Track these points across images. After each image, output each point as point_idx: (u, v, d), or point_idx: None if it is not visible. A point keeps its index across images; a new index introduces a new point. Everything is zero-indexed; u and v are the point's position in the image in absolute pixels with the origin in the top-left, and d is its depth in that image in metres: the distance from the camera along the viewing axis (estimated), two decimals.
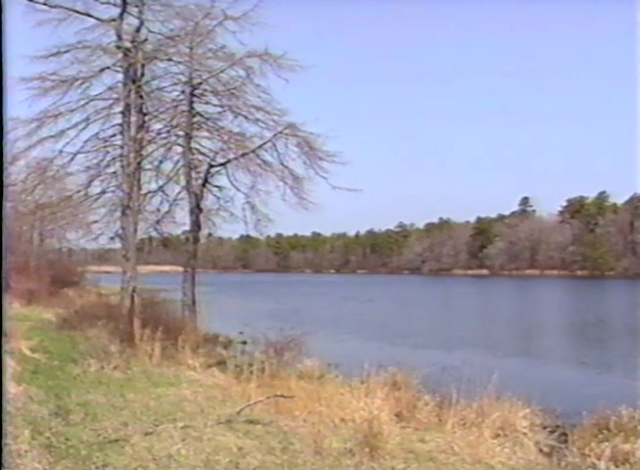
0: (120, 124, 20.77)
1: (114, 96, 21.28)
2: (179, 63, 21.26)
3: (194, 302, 22.27)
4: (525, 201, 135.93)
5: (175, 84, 22.16)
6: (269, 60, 20.92)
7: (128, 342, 14.92)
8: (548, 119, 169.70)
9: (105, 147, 22.40)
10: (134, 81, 19.82)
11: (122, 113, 20.44)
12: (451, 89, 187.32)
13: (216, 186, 23.52)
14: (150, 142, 21.59)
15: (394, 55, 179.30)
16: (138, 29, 20.12)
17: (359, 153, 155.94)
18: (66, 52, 20.16)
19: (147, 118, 20.63)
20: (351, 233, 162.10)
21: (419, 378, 11.64)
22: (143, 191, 21.63)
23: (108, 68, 20.75)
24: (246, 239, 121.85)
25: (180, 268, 23.84)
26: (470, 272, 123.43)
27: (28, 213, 28.46)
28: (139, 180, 20.55)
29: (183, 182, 22.61)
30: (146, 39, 20.38)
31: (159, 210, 24.04)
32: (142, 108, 20.24)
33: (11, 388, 8.92)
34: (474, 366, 10.25)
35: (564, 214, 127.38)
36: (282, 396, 9.89)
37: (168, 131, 22.29)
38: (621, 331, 29.92)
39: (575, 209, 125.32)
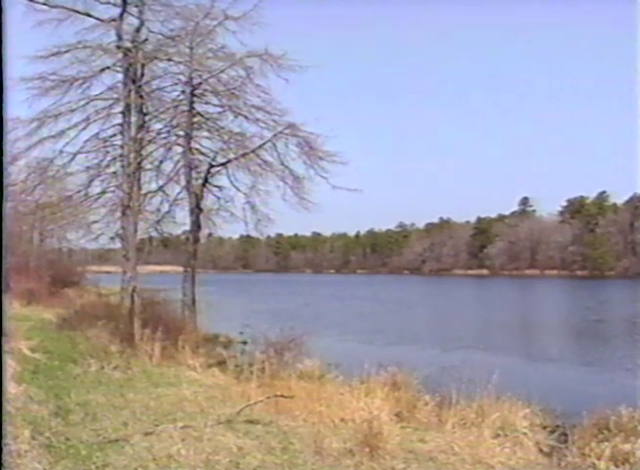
0: (120, 124, 20.78)
1: (114, 96, 21.30)
2: (179, 63, 21.25)
3: (194, 301, 22.29)
4: (525, 201, 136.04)
5: (175, 84, 22.20)
6: (269, 60, 20.92)
7: (128, 342, 14.93)
8: (548, 119, 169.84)
9: (105, 147, 22.43)
10: (134, 81, 19.81)
11: (122, 113, 20.45)
12: (451, 89, 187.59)
13: (216, 186, 23.58)
14: (150, 142, 21.59)
15: (394, 55, 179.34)
16: (138, 29, 20.13)
17: (359, 153, 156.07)
18: (66, 52, 20.17)
19: (147, 118, 20.62)
20: (351, 233, 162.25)
21: (419, 378, 11.64)
22: (143, 191, 21.63)
23: (108, 68, 20.76)
24: (246, 239, 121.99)
25: (180, 268, 23.85)
26: (470, 272, 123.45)
27: (28, 213, 28.47)
28: (139, 180, 20.55)
29: (183, 182, 22.66)
30: (146, 39, 20.38)
31: (159, 210, 24.14)
32: (142, 108, 20.23)
33: (11, 388, 8.91)
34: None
35: (564, 214, 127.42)
36: (282, 396, 9.88)
37: (168, 131, 22.31)
38: (621, 331, 29.92)
39: (575, 209, 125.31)
